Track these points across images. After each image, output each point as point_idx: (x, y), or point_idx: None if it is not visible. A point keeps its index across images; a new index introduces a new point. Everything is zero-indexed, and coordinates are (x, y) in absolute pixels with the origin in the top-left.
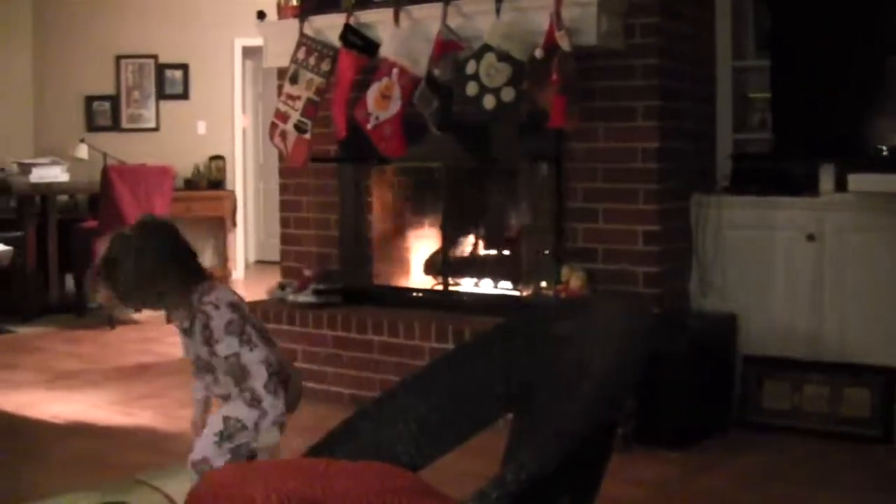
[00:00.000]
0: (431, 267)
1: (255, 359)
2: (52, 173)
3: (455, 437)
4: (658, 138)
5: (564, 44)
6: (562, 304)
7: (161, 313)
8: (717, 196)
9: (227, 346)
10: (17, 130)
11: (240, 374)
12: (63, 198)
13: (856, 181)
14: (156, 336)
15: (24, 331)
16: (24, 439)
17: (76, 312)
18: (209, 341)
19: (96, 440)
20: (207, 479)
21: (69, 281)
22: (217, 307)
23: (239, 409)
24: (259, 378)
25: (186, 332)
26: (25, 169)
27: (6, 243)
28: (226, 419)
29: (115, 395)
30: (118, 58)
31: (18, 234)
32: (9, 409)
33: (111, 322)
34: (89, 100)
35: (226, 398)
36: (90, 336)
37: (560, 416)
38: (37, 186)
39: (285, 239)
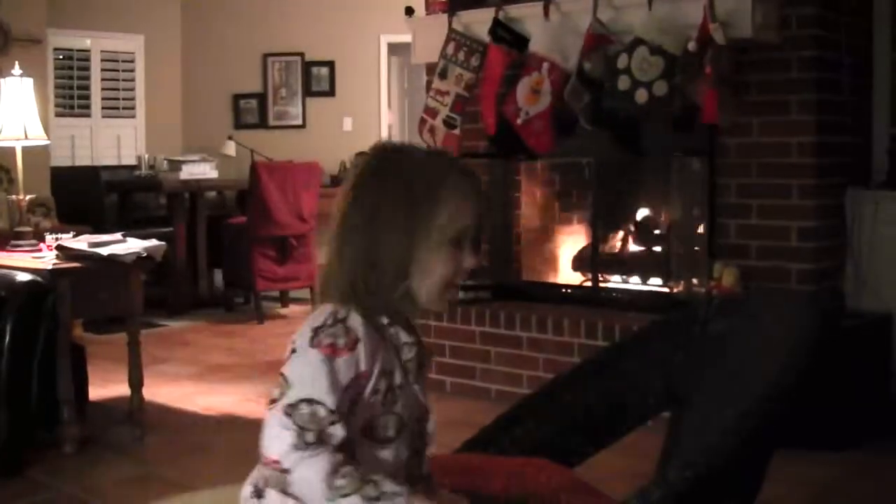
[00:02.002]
0: (580, 263)
1: None
2: (201, 170)
3: (611, 435)
4: (814, 132)
5: (718, 36)
6: (723, 301)
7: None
8: (873, 191)
9: None
10: (166, 128)
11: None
12: (211, 194)
13: None
14: None
15: (174, 325)
16: (182, 431)
17: (225, 307)
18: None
19: (251, 433)
20: None
21: (217, 276)
22: None
23: None
24: None
25: (406, 370)
26: (175, 166)
27: (157, 239)
28: None
29: (265, 389)
30: (265, 56)
31: (169, 229)
32: (163, 402)
33: (260, 317)
34: (237, 98)
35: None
36: (239, 330)
37: (728, 416)
38: (186, 183)
39: None
